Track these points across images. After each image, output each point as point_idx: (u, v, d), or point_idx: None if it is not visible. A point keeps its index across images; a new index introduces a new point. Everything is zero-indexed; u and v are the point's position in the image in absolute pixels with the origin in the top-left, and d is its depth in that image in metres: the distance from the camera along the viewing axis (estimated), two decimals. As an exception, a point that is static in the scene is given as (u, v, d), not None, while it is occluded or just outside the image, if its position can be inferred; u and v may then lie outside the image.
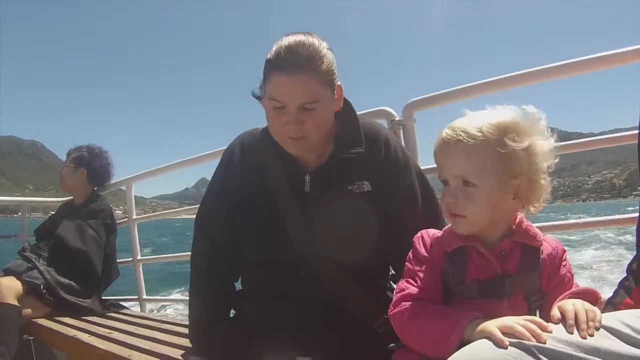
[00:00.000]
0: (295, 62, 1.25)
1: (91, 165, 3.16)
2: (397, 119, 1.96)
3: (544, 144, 1.04)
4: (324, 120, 1.32)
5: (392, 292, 1.48)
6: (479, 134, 1.00)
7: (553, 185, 1.08)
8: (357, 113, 1.47)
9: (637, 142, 1.15)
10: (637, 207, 1.21)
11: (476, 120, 1.04)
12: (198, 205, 1.67)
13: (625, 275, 1.15)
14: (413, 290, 1.06)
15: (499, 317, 0.89)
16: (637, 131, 1.16)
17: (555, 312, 0.92)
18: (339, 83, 1.36)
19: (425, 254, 1.11)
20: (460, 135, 1.02)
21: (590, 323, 0.85)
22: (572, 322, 0.86)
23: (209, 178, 1.64)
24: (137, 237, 3.55)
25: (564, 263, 1.11)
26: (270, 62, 1.29)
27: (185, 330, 1.91)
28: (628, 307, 1.02)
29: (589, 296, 0.97)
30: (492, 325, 0.86)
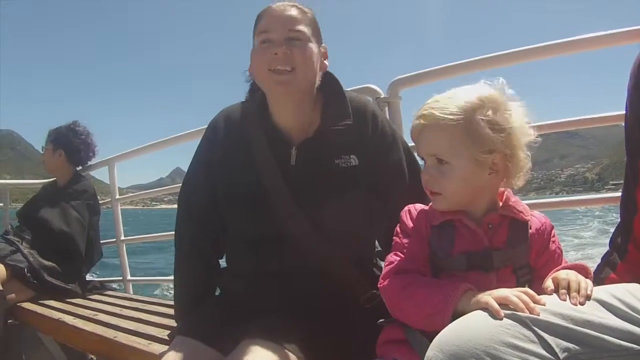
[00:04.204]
0: (284, 3, 1.36)
1: (70, 146, 3.11)
2: (382, 96, 1.94)
3: (520, 119, 1.05)
4: (311, 57, 1.34)
5: (378, 269, 1.49)
6: (449, 113, 1.02)
7: (526, 178, 1.09)
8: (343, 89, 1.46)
9: (624, 124, 1.16)
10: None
11: (448, 98, 1.05)
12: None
13: (609, 249, 1.16)
14: (402, 262, 1.07)
15: (488, 289, 0.91)
16: (622, 112, 1.17)
17: (548, 284, 0.95)
18: (324, 45, 1.41)
19: (413, 227, 1.12)
20: (431, 114, 1.04)
21: (582, 292, 0.87)
22: (565, 290, 0.89)
23: (183, 168, 1.61)
24: (120, 216, 3.51)
25: (552, 239, 1.12)
26: (262, 10, 1.38)
27: (171, 311, 1.91)
28: (613, 282, 1.03)
29: (580, 271, 0.98)
30: (488, 296, 0.87)
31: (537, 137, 1.07)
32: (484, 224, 1.06)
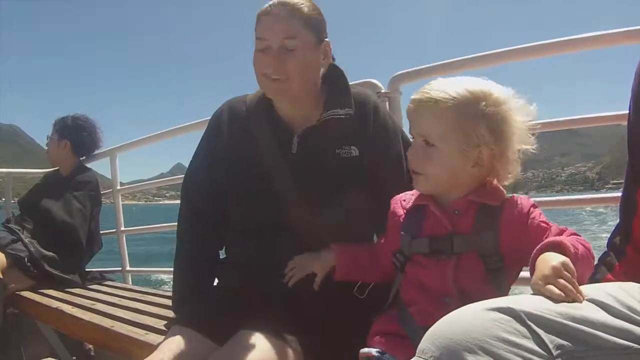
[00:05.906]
0: (280, 3, 1.31)
1: (75, 136, 3.10)
2: (383, 91, 1.95)
3: (519, 125, 1.04)
4: (306, 64, 1.33)
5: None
6: (448, 98, 1.02)
7: (527, 177, 1.07)
8: None
9: (627, 124, 1.15)
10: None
11: (450, 84, 1.05)
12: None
13: (606, 250, 1.15)
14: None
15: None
16: (624, 112, 1.16)
17: (545, 289, 0.87)
18: (327, 39, 1.39)
19: (394, 211, 1.18)
20: (430, 96, 1.04)
21: (575, 278, 0.85)
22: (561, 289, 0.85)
23: (185, 163, 1.62)
24: (120, 207, 3.52)
25: (532, 216, 1.06)
26: (259, 10, 1.35)
27: (168, 301, 1.92)
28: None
29: (557, 249, 0.92)
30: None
31: (534, 146, 1.07)
32: (450, 209, 1.07)
